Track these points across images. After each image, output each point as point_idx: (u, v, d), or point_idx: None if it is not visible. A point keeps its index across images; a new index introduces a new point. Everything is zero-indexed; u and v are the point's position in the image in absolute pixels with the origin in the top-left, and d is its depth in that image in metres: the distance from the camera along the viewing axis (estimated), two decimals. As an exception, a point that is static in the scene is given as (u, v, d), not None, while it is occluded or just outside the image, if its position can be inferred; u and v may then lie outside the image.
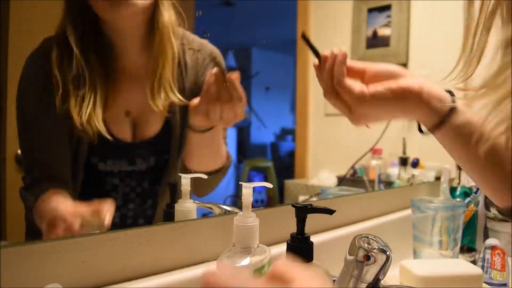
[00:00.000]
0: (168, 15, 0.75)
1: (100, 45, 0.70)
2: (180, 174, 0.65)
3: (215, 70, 0.74)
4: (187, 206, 0.65)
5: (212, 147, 0.82)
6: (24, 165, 0.65)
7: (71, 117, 0.66)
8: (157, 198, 0.78)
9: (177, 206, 0.65)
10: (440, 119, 0.55)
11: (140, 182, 0.77)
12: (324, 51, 0.58)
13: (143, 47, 0.75)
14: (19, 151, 0.63)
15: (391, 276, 0.81)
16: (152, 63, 0.75)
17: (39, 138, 0.68)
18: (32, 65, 0.65)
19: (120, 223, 0.74)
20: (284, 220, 0.74)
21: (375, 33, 1.49)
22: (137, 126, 0.75)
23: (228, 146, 0.87)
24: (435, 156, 1.31)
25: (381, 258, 0.53)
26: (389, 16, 1.49)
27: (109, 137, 0.70)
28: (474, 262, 0.95)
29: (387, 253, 0.53)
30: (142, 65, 0.76)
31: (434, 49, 1.42)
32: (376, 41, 1.49)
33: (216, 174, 0.83)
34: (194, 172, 0.78)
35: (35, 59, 0.65)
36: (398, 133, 1.38)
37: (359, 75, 0.60)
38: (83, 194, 0.70)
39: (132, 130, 0.75)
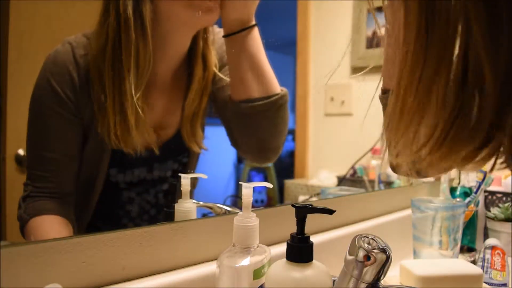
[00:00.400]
0: (210, 56, 0.76)
1: (140, 50, 0.67)
2: (180, 174, 0.65)
3: None
4: (187, 206, 0.64)
5: (251, 59, 0.75)
6: (27, 172, 0.63)
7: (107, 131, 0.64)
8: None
9: (177, 206, 0.65)
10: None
11: (155, 193, 0.76)
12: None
13: (174, 68, 0.75)
14: (19, 151, 0.63)
15: (391, 276, 0.81)
16: (193, 92, 0.75)
17: (51, 149, 0.65)
18: (57, 67, 0.63)
19: None
20: (284, 220, 0.74)
21: (375, 33, 1.49)
22: (156, 131, 0.75)
23: (228, 146, 0.86)
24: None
25: (381, 258, 0.53)
26: (389, 16, 1.49)
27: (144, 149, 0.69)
28: (474, 262, 0.95)
29: (387, 253, 0.53)
30: (169, 80, 0.76)
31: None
32: (376, 41, 1.49)
33: (270, 100, 0.76)
34: (245, 100, 0.75)
35: (61, 60, 0.63)
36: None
37: None
38: (98, 207, 0.69)
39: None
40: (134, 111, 0.65)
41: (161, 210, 0.77)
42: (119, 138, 0.65)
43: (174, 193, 0.75)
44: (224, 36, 0.75)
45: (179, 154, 0.77)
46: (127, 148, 0.66)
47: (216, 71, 0.78)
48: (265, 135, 0.79)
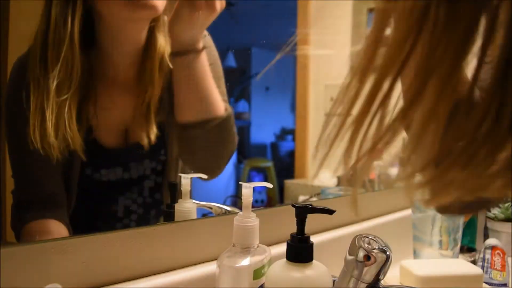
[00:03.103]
0: (162, 42, 0.75)
1: (92, 52, 0.67)
2: (180, 174, 0.65)
3: None
4: (187, 206, 0.65)
5: (197, 83, 0.76)
6: (13, 179, 0.62)
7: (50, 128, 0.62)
8: (160, 206, 0.77)
9: (177, 206, 0.65)
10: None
11: (140, 191, 0.76)
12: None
13: (136, 62, 0.74)
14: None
15: (391, 276, 0.81)
16: (143, 84, 0.74)
17: (24, 151, 0.64)
18: (17, 72, 0.62)
19: None
20: (284, 220, 0.74)
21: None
22: (128, 130, 0.75)
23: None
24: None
25: (381, 258, 0.53)
26: (389, 16, 1.49)
27: (107, 145, 0.68)
28: (474, 262, 0.95)
29: (387, 253, 0.53)
30: (133, 76, 0.75)
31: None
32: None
33: (210, 124, 0.76)
34: (186, 123, 0.75)
35: (22, 64, 0.62)
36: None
37: None
38: (83, 208, 0.69)
39: (123, 134, 0.74)
40: (53, 116, 0.63)
41: (150, 209, 0.77)
42: (37, 141, 0.63)
43: (160, 191, 0.76)
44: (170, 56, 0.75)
45: (155, 152, 0.77)
46: (45, 152, 0.63)
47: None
48: (202, 157, 0.79)
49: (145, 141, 0.75)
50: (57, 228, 0.65)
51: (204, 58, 0.76)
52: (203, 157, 0.79)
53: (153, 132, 0.75)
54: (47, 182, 0.67)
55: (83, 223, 0.70)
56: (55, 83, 0.63)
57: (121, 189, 0.74)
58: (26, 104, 0.62)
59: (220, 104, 0.78)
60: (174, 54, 0.74)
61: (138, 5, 0.68)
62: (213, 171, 0.81)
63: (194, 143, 0.77)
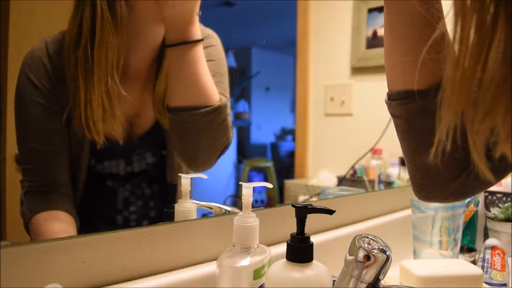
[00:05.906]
0: None
1: (113, 44, 0.68)
2: (180, 174, 0.65)
3: None
4: (187, 206, 0.65)
5: (190, 71, 0.74)
6: (21, 168, 0.64)
7: (80, 118, 0.66)
8: (159, 199, 0.78)
9: (177, 206, 0.65)
10: None
11: (139, 183, 0.77)
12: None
13: (151, 58, 0.76)
14: (19, 151, 0.63)
15: (391, 276, 0.81)
16: (159, 79, 0.76)
17: (37, 140, 0.67)
18: (33, 62, 0.65)
19: (124, 226, 0.74)
20: (284, 220, 0.75)
21: (375, 33, 1.49)
22: (132, 123, 0.75)
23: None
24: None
25: (381, 258, 0.53)
26: (389, 16, 1.49)
27: (120, 139, 0.70)
28: (474, 262, 0.95)
29: (387, 253, 0.53)
30: (145, 70, 0.76)
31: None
32: (376, 41, 1.49)
33: (199, 111, 0.74)
34: (174, 107, 0.74)
35: (36, 55, 0.65)
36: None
37: None
38: (84, 199, 0.70)
39: (128, 128, 0.75)
40: (101, 103, 0.67)
41: (148, 201, 0.77)
42: (84, 129, 0.66)
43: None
44: (166, 46, 0.74)
45: (157, 146, 0.78)
46: (93, 138, 0.67)
47: None
48: (191, 145, 0.78)
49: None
50: (66, 219, 0.66)
51: (196, 51, 0.74)
52: (191, 145, 0.78)
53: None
54: (53, 171, 0.68)
55: (83, 214, 0.71)
56: (107, 73, 0.66)
57: (122, 181, 0.75)
58: (71, 93, 0.65)
59: (211, 94, 0.76)
60: (166, 45, 0.73)
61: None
62: (203, 161, 0.80)
63: (182, 128, 0.76)
